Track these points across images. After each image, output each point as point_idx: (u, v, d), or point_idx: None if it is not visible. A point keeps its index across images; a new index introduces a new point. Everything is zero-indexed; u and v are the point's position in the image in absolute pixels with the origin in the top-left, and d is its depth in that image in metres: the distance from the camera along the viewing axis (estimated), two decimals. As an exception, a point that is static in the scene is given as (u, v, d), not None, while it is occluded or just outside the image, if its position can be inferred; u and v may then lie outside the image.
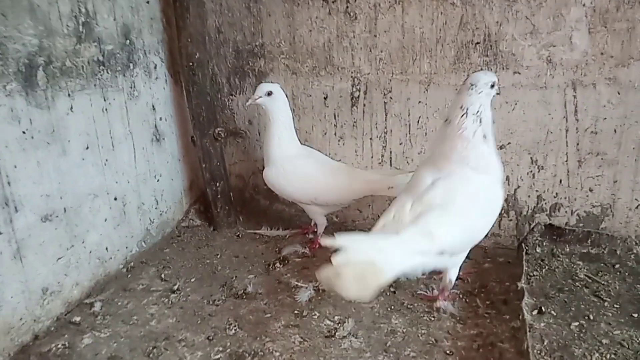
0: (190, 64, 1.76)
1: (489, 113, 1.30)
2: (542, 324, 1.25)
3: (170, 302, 1.47)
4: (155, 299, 1.49)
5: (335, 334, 1.28)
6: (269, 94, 1.63)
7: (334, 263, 1.07)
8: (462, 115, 1.28)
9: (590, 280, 1.45)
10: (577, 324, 1.25)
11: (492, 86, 1.30)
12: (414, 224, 1.21)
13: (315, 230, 1.84)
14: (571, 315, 1.29)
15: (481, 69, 1.60)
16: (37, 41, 1.29)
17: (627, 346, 1.16)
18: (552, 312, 1.30)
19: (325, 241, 1.11)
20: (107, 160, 1.57)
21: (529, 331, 1.19)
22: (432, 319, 1.35)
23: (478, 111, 1.27)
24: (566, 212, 1.66)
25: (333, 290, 1.09)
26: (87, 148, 1.49)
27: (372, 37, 1.72)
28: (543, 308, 1.30)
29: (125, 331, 1.34)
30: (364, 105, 1.81)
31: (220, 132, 1.86)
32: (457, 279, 1.49)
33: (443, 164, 1.31)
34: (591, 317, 1.27)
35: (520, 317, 1.27)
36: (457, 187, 1.27)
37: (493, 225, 1.35)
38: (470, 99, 1.27)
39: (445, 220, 1.22)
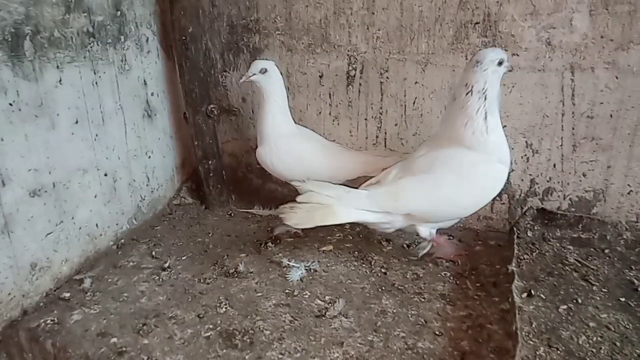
0: (183, 38, 1.72)
1: (495, 91, 1.28)
2: (531, 307, 1.26)
3: (160, 279, 1.46)
4: (145, 276, 1.48)
5: (325, 313, 1.28)
6: (264, 71, 1.60)
7: (297, 200, 1.34)
8: (467, 93, 1.27)
9: (579, 265, 1.46)
10: (565, 307, 1.26)
11: (500, 63, 1.28)
12: (386, 185, 1.37)
13: (308, 210, 1.82)
14: (560, 298, 1.30)
15: (479, 50, 1.58)
16: (23, 9, 1.25)
17: (613, 329, 1.17)
18: (542, 295, 1.31)
19: (296, 184, 1.42)
20: (97, 135, 1.54)
21: (518, 313, 1.20)
22: (422, 300, 1.35)
23: (483, 89, 1.26)
24: (559, 196, 1.66)
25: (285, 219, 1.34)
26: (77, 122, 1.46)
27: (370, 15, 1.68)
28: (532, 291, 1.31)
29: (115, 308, 1.33)
30: (360, 84, 1.78)
31: (213, 109, 1.83)
32: (448, 261, 1.50)
33: (442, 141, 1.35)
34: (579, 301, 1.28)
35: (510, 299, 1.27)
36: (441, 159, 1.32)
37: (485, 203, 1.38)
38: (475, 76, 1.26)
39: (415, 186, 1.33)
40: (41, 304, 1.35)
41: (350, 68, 1.77)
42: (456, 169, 1.32)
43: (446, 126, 1.36)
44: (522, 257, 1.49)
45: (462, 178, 1.32)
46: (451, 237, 1.71)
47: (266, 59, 1.70)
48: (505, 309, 1.29)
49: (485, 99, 1.27)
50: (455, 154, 1.32)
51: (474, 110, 1.28)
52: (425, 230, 1.43)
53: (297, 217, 1.33)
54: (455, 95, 1.33)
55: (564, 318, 1.22)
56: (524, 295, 1.31)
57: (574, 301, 1.28)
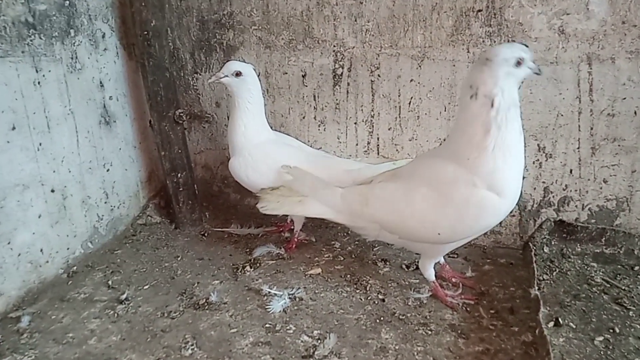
0: (145, 33, 1.51)
1: (509, 99, 1.02)
2: (561, 339, 1.06)
3: (116, 314, 1.24)
4: (98, 311, 1.26)
5: (314, 353, 1.08)
6: (237, 74, 1.42)
7: (284, 184, 1.36)
8: (472, 97, 1.04)
9: (608, 285, 1.27)
10: (601, 338, 1.06)
11: (519, 63, 1.02)
12: (363, 187, 1.28)
13: (292, 228, 1.63)
14: (593, 327, 1.10)
15: (483, 41, 1.40)
16: (-63, -10, 1.03)
17: (664, 366, 0.97)
18: (571, 324, 1.11)
19: (284, 168, 1.39)
20: (40, 144, 1.32)
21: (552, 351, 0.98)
22: (429, 332, 1.15)
23: (492, 93, 1.01)
24: (576, 206, 1.47)
25: (259, 201, 1.37)
26: (14, 129, 1.24)
27: (358, 5, 1.51)
28: (560, 319, 1.11)
29: (56, 353, 1.10)
30: (348, 84, 1.60)
31: (181, 115, 1.62)
32: (459, 286, 1.29)
33: (444, 147, 1.20)
34: (617, 330, 1.09)
35: (537, 331, 1.06)
36: (422, 168, 1.17)
37: (468, 233, 1.14)
38: (482, 76, 1.02)
39: (387, 194, 1.20)
40: (-37, 350, 1.10)
41: (337, 66, 1.59)
42: (433, 183, 1.11)
43: (450, 133, 1.18)
44: (541, 278, 1.30)
45: (436, 197, 1.10)
46: (455, 256, 1.51)
47: (243, 61, 1.50)
48: (528, 341, 1.11)
49: (492, 107, 1.02)
50: (438, 166, 1.12)
51: (473, 118, 1.04)
52: (430, 273, 1.26)
53: (268, 201, 1.35)
54: (459, 96, 1.12)
55: (602, 353, 1.03)
56: (551, 324, 1.11)
57: (611, 331, 1.09)
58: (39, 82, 1.30)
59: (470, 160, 1.05)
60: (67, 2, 1.38)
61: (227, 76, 1.42)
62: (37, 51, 1.28)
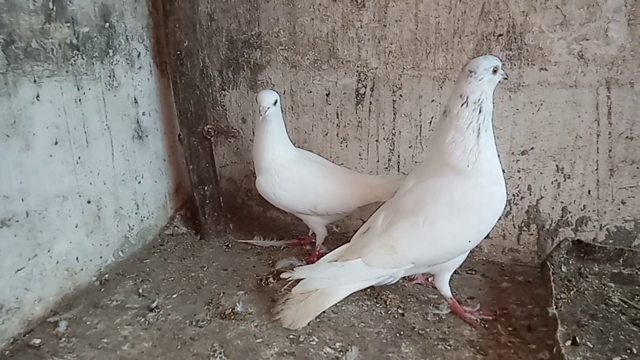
0: (178, 52, 1.58)
1: (490, 104, 1.16)
2: (579, 358, 1.08)
3: (147, 322, 1.29)
4: (130, 318, 1.31)
5: (337, 365, 1.11)
6: (275, 102, 1.45)
7: (292, 292, 1.23)
8: (462, 105, 1.15)
9: (626, 306, 1.28)
10: (618, 359, 1.08)
11: (495, 71, 1.16)
12: (378, 238, 1.22)
13: (314, 240, 1.67)
14: (610, 347, 1.12)
15: (503, 65, 1.44)
16: (-6, 16, 1.11)
17: (681, 388, 0.99)
18: (588, 343, 1.13)
19: (285, 274, 1.28)
20: (79, 157, 1.39)
21: (568, 369, 1.01)
22: (448, 347, 1.18)
23: (479, 99, 1.14)
24: (594, 226, 1.49)
25: (280, 320, 1.24)
26: (56, 143, 1.31)
27: (382, 27, 1.55)
28: (577, 338, 1.13)
29: (93, 357, 1.16)
30: (371, 103, 1.65)
31: (210, 130, 1.68)
32: (479, 319, 1.29)
33: (430, 165, 1.24)
34: (634, 351, 1.11)
35: (555, 349, 1.09)
36: (429, 193, 1.20)
37: (489, 230, 1.24)
38: (470, 86, 1.14)
39: (409, 231, 1.19)
40: (7, 352, 1.18)
41: (360, 85, 1.64)
42: (448, 202, 1.17)
43: (435, 146, 1.22)
44: (558, 297, 1.32)
45: (457, 211, 1.17)
46: (473, 272, 1.54)
47: (267, 90, 1.52)
48: (545, 359, 1.11)
49: (480, 112, 1.14)
50: (443, 185, 1.18)
51: (466, 124, 1.14)
52: (446, 288, 1.30)
53: (291, 315, 1.23)
54: (447, 108, 1.18)
55: (619, 373, 1.04)
56: (568, 343, 1.13)
57: (628, 351, 1.11)
58: (79, 100, 1.37)
59: (470, 167, 1.15)
60: (107, 24, 1.46)
61: (269, 107, 1.43)
62: (80, 71, 1.36)
